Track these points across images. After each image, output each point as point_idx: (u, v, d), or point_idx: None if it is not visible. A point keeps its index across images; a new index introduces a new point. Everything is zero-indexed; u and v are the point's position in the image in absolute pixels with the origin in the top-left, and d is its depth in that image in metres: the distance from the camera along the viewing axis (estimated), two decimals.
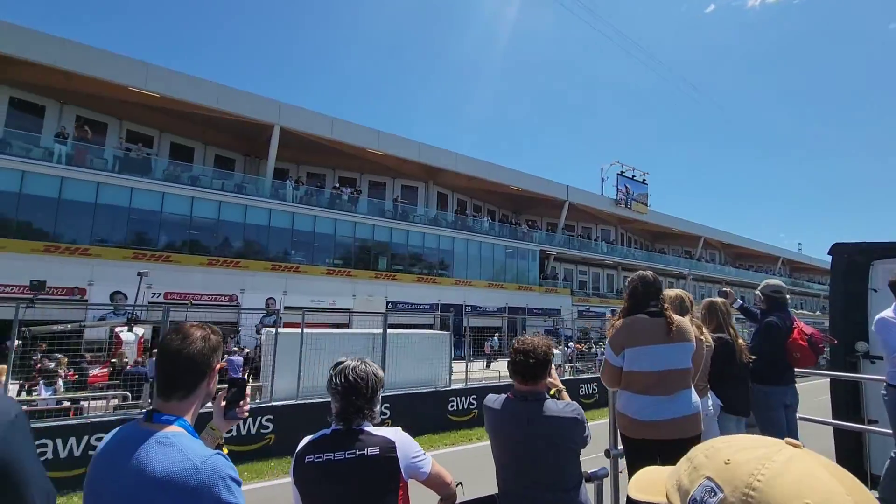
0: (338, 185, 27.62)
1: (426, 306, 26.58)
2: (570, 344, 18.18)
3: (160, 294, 18.74)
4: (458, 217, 30.53)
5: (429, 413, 9.82)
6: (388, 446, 1.60)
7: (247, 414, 1.52)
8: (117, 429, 1.29)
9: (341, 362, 1.71)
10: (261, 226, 21.76)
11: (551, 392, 2.22)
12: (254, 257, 21.36)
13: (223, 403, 1.50)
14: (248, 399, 1.54)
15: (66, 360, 9.29)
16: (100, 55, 18.64)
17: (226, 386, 1.53)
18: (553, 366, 2.15)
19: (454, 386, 11.15)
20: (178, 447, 1.19)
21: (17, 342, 6.88)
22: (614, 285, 41.71)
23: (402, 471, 1.60)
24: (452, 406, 10.55)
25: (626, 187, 39.51)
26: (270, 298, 21.43)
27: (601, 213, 39.54)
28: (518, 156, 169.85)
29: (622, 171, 40.09)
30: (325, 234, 23.76)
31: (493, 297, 29.69)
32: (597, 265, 40.24)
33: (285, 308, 20.57)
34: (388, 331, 10.06)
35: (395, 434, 1.65)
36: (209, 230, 20.62)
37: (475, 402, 10.71)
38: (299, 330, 9.04)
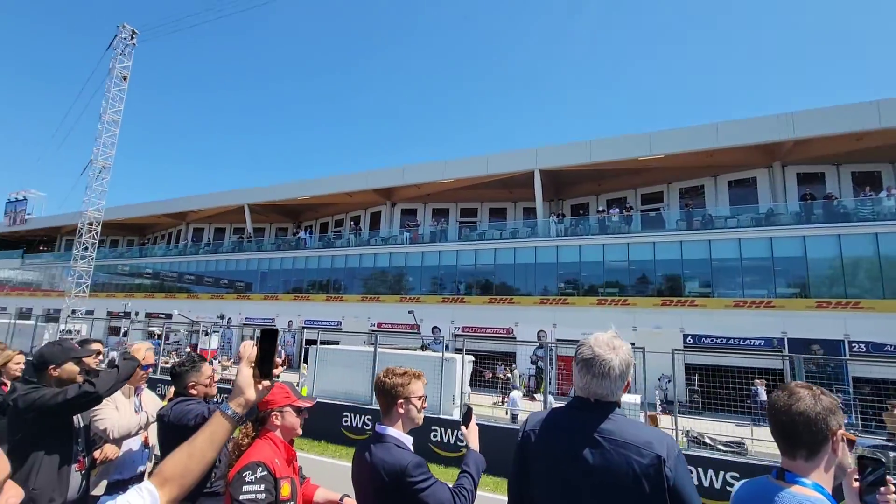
0: (628, 205, 24.94)
1: (757, 341, 18.59)
2: None
3: (460, 328, 24.17)
4: (806, 204, 19.56)
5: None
6: None
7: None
8: (746, 481, 1.45)
9: None
10: (528, 264, 23.54)
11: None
12: (524, 293, 23.29)
13: (855, 482, 1.33)
14: (891, 486, 1.27)
15: None
16: (415, 167, 27.91)
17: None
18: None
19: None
20: None
21: None
22: None
23: None
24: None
25: None
26: (541, 331, 22.41)
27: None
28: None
29: None
30: (592, 262, 22.25)
31: None
32: None
33: (557, 340, 21.02)
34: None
35: None
36: (489, 274, 24.64)
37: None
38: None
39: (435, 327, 24.58)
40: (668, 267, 20.93)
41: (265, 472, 1.79)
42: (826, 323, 17.70)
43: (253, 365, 1.23)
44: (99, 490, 3.13)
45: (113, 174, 29.54)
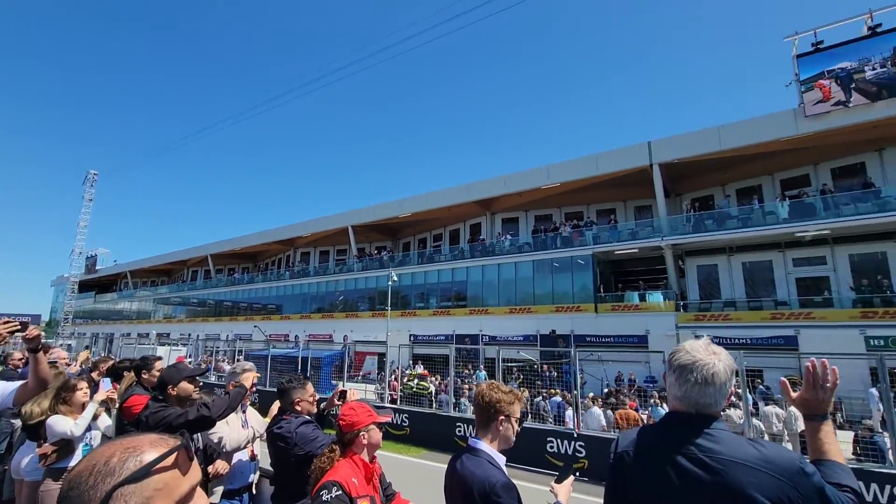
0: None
1: (440, 336, 28.58)
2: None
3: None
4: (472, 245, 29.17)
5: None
6: None
7: None
8: None
9: None
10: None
11: None
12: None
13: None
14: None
15: None
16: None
17: None
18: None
19: None
20: None
21: None
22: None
23: None
24: None
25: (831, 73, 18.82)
26: (345, 335, 33.60)
27: (776, 144, 20.43)
28: None
29: (817, 44, 19.38)
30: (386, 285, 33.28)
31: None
32: (769, 247, 21.04)
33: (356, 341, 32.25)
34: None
35: None
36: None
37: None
38: None
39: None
40: (409, 290, 31.47)
41: (340, 492, 1.87)
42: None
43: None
44: (214, 499, 3.31)
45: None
